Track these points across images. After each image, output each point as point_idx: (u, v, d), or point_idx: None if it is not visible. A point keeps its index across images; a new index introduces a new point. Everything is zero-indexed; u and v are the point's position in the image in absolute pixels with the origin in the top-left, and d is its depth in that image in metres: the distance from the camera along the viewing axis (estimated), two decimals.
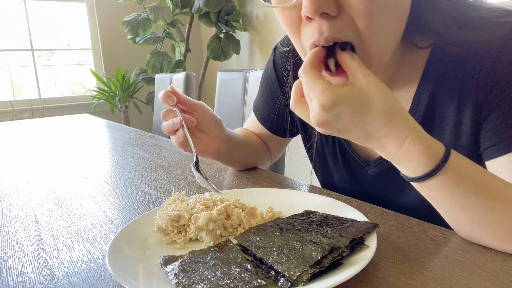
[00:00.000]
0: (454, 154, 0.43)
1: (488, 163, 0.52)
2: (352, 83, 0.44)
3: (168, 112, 0.68)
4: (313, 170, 0.82)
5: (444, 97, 0.56)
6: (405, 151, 0.43)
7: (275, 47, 0.81)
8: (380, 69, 0.53)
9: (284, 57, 0.77)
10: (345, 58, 0.45)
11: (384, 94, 0.43)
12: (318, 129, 0.45)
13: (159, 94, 0.66)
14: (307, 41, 0.48)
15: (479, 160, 0.53)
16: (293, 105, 0.48)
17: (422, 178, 0.43)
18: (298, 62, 0.74)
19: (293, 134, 0.84)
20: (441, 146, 0.43)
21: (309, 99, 0.45)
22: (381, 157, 0.64)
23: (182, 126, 0.65)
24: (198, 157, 0.65)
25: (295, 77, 0.75)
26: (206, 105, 0.71)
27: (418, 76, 0.58)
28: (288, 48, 0.76)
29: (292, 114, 0.79)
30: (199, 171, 0.62)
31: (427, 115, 0.58)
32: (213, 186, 0.60)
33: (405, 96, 0.60)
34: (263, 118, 0.84)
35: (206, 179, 0.60)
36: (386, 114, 0.42)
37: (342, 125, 0.44)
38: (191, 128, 0.68)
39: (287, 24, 0.50)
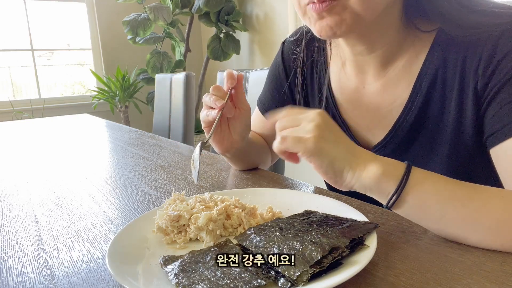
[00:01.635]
0: (416, 171, 0.46)
1: (492, 151, 0.52)
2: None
3: (219, 88, 0.68)
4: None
5: (445, 83, 0.57)
6: (377, 168, 0.46)
7: (284, 41, 0.82)
8: (365, 28, 0.56)
9: (293, 45, 0.79)
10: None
11: None
12: (314, 145, 0.46)
13: (228, 70, 0.68)
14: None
15: (483, 148, 0.54)
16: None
17: (396, 191, 0.45)
18: (309, 42, 0.76)
19: None
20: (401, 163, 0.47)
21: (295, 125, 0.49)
22: (380, 143, 0.65)
23: (220, 110, 0.65)
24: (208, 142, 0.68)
25: (307, 57, 0.76)
26: (250, 111, 0.72)
27: (421, 59, 0.59)
28: (296, 36, 0.78)
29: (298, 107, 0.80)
30: (199, 153, 0.64)
31: (427, 101, 0.59)
32: (197, 174, 0.62)
33: (406, 80, 0.61)
34: (268, 112, 0.85)
35: (197, 167, 0.62)
36: (350, 142, 0.50)
37: (331, 137, 0.47)
38: (223, 117, 0.69)
39: None
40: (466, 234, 0.44)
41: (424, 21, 0.58)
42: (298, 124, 0.48)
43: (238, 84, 0.67)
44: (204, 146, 0.67)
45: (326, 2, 0.52)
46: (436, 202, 0.45)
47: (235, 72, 0.68)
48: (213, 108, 0.67)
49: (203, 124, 0.70)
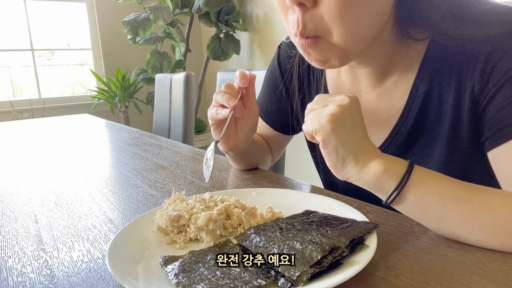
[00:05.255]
0: (418, 170, 0.46)
1: (489, 153, 0.52)
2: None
3: (232, 86, 0.68)
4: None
5: (441, 89, 0.57)
6: (379, 165, 0.47)
7: (280, 44, 0.82)
8: (357, 56, 0.56)
9: (289, 47, 0.79)
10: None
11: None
12: (329, 124, 0.46)
13: (240, 70, 0.67)
14: (291, 29, 0.53)
15: (480, 152, 0.54)
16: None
17: (395, 190, 0.46)
18: None
19: (295, 131, 0.85)
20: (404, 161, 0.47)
21: (322, 106, 0.49)
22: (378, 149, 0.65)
23: (232, 109, 0.65)
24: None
25: (303, 61, 0.76)
26: (258, 112, 0.73)
27: (416, 68, 0.59)
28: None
29: (295, 110, 0.80)
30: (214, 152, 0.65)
31: (424, 107, 0.59)
32: (210, 174, 0.62)
33: (403, 88, 0.61)
34: (266, 115, 0.85)
35: (211, 166, 0.62)
36: (366, 137, 0.50)
37: (345, 122, 0.47)
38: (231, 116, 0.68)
39: (278, 8, 0.54)
40: (466, 234, 0.44)
41: (416, 29, 0.57)
42: (326, 105, 0.49)
43: (250, 84, 0.67)
44: (216, 144, 0.67)
45: (310, 39, 0.51)
46: (437, 201, 0.45)
47: (247, 72, 0.67)
48: (224, 107, 0.66)
49: (210, 122, 0.69)
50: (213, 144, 0.66)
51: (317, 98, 0.51)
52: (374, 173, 0.46)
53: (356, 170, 0.48)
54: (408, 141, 0.62)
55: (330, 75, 0.72)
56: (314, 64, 0.55)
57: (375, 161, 0.47)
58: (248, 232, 0.46)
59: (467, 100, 0.54)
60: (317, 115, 0.48)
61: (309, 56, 0.54)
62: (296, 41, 0.54)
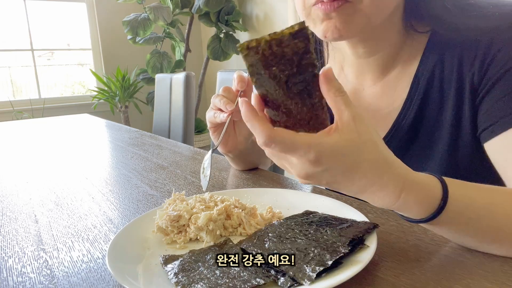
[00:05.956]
0: (452, 186, 0.40)
1: (486, 145, 0.53)
2: (340, 128, 0.37)
3: (230, 90, 0.67)
4: None
5: (443, 80, 0.58)
6: (403, 203, 0.39)
7: None
8: (372, 29, 0.56)
9: None
10: (331, 93, 0.37)
11: (375, 144, 0.38)
12: (303, 181, 0.40)
13: (238, 72, 0.65)
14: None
15: (480, 143, 0.54)
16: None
17: (426, 221, 0.41)
18: None
19: None
20: (437, 184, 0.40)
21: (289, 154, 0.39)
22: None
23: (230, 114, 0.64)
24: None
25: None
26: None
27: (418, 59, 0.60)
28: None
29: None
30: (211, 158, 0.64)
31: (426, 98, 0.60)
32: (207, 183, 0.60)
33: (405, 80, 0.62)
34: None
35: (208, 175, 0.61)
36: (378, 169, 0.38)
37: (331, 179, 0.38)
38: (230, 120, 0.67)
39: None
40: (492, 248, 0.42)
41: (419, 22, 0.59)
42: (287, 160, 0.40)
43: (247, 87, 0.67)
44: (214, 151, 0.67)
45: (338, 2, 0.50)
46: (473, 215, 0.41)
47: (245, 75, 0.67)
48: (221, 111, 0.66)
49: (209, 125, 0.69)
50: (209, 152, 0.65)
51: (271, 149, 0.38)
52: (400, 208, 0.40)
53: (398, 204, 0.40)
54: (410, 135, 0.63)
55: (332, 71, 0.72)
56: (329, 33, 0.53)
57: (409, 191, 0.39)
58: (249, 241, 0.46)
59: (468, 91, 0.54)
60: (288, 165, 0.39)
61: (328, 22, 0.52)
62: (318, 7, 0.52)
